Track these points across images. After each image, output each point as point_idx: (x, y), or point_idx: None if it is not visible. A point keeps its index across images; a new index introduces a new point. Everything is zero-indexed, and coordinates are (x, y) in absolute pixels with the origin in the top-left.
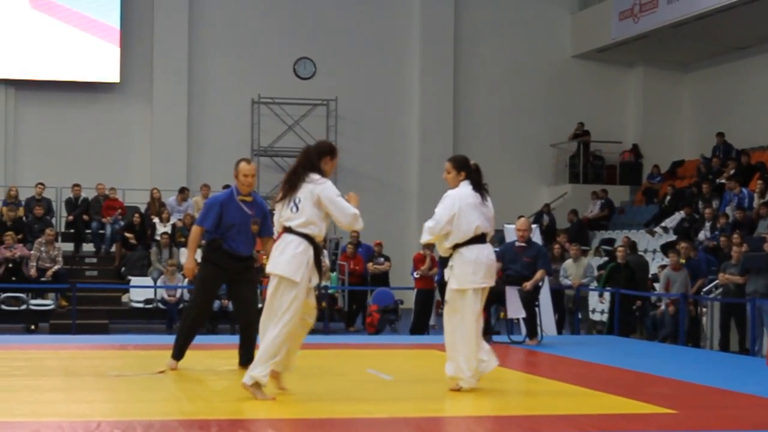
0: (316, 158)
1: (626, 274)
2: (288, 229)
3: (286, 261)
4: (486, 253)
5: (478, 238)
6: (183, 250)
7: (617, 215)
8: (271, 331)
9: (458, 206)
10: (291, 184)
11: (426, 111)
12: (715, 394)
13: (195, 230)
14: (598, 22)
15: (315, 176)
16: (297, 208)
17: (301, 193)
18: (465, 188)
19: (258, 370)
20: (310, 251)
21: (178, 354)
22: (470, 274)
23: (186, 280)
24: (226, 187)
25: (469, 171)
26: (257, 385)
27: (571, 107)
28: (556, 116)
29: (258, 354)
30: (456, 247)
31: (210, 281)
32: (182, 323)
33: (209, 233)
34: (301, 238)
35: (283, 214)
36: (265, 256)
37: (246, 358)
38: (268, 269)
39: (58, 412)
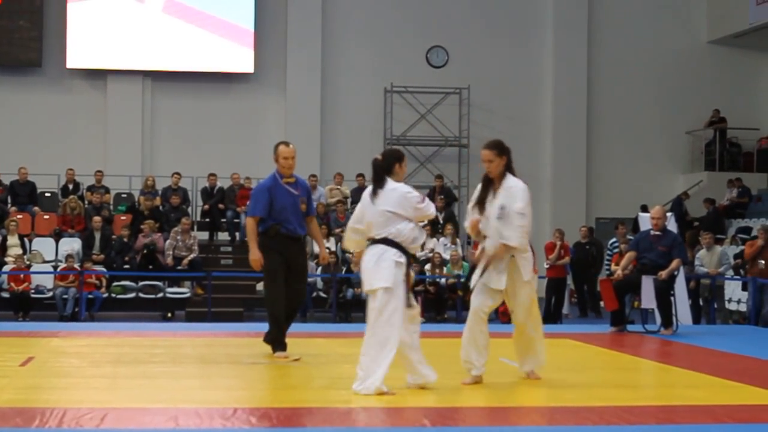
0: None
1: None
2: None
3: None
4: None
5: None
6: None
7: (754, 203)
8: None
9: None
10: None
11: (559, 98)
12: None
13: (250, 222)
14: (734, 7)
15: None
16: None
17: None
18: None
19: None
20: None
21: (281, 345)
22: None
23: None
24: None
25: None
26: None
27: (707, 94)
28: (692, 103)
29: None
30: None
31: (278, 272)
32: (270, 318)
33: (264, 220)
34: None
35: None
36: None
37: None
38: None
39: (194, 398)
